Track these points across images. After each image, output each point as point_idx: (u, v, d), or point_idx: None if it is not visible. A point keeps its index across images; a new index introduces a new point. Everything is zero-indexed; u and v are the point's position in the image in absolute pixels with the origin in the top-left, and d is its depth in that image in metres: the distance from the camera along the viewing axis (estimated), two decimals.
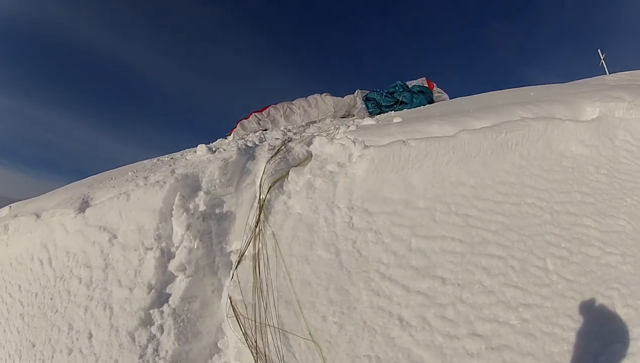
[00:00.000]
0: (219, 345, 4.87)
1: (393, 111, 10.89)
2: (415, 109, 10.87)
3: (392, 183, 5.42)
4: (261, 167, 6.14)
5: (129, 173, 7.19)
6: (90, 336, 4.97)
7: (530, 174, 5.71)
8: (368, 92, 12.92)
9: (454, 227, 5.04)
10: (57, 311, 5.43)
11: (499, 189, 5.46)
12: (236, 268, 5.06)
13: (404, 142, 5.66)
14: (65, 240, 6.03)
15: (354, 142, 5.88)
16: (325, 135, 6.84)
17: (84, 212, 6.15)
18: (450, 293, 4.46)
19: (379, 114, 11.29)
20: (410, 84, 12.78)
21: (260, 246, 5.12)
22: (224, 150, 6.80)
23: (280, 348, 4.28)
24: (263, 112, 12.86)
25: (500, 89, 10.80)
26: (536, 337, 4.16)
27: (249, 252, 5.17)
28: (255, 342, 4.37)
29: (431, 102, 12.21)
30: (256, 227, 5.30)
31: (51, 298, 5.59)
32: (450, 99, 12.41)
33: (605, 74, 12.93)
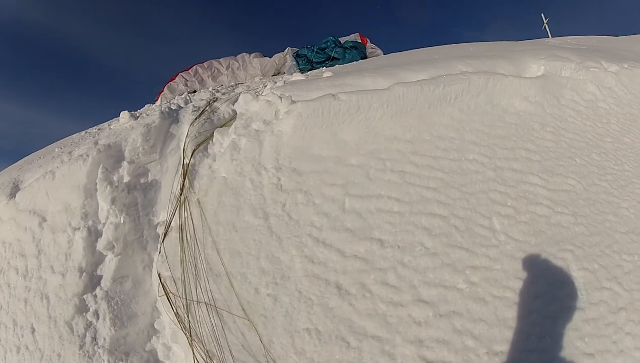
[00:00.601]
0: (155, 326, 4.59)
1: (325, 67, 10.72)
2: (348, 64, 10.71)
3: (322, 140, 5.01)
4: (185, 130, 5.86)
5: (56, 149, 6.89)
6: (33, 330, 4.69)
7: (471, 128, 5.39)
8: (298, 49, 12.86)
9: (390, 184, 4.66)
10: (1, 307, 5.11)
11: (437, 144, 5.12)
12: (163, 241, 4.72)
13: (333, 95, 5.24)
14: (1, 230, 5.66)
15: (281, 98, 5.46)
16: (251, 92, 6.46)
17: (14, 197, 5.79)
18: (390, 256, 4.08)
19: (310, 70, 11.16)
20: (343, 40, 12.84)
21: (185, 216, 4.79)
22: (147, 115, 6.48)
23: (215, 326, 3.95)
24: (189, 71, 12.96)
25: None
26: (487, 301, 3.85)
27: (175, 222, 4.85)
28: (189, 322, 4.05)
29: (364, 57, 12.18)
30: (181, 195, 4.98)
31: None
32: (384, 55, 12.37)
33: (548, 37, 13.12)
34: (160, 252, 4.62)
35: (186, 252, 4.47)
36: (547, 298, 3.96)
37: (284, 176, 4.71)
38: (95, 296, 4.69)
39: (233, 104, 6.25)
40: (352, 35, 13.11)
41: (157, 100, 11.94)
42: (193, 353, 3.84)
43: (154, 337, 4.51)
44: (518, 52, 7.18)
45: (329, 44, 12.40)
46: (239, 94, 6.65)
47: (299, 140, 4.98)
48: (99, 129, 7.41)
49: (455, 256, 4.10)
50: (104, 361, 4.33)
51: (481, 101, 5.71)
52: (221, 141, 5.38)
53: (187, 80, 12.44)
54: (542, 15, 14.10)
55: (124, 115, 6.58)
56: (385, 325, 3.68)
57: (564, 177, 5.12)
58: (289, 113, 5.17)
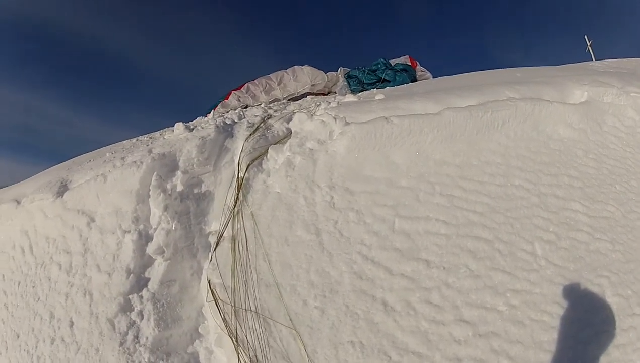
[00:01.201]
0: (199, 330, 4.67)
1: (375, 89, 10.65)
2: (398, 87, 10.64)
3: (374, 162, 5.19)
4: (240, 145, 5.97)
5: (107, 154, 7.00)
6: (72, 324, 4.78)
7: (517, 155, 5.52)
8: (350, 70, 12.78)
9: (439, 207, 4.83)
10: (39, 299, 5.23)
11: (484, 169, 5.27)
12: (214, 250, 4.86)
13: (386, 119, 5.43)
14: (45, 225, 5.83)
15: (335, 119, 5.64)
16: (305, 111, 6.60)
17: (62, 195, 5.94)
18: (436, 276, 4.26)
19: (361, 91, 11.04)
20: (393, 62, 12.64)
21: (238, 227, 4.92)
22: (202, 128, 6.62)
23: (261, 334, 4.09)
24: (242, 89, 12.78)
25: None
26: (525, 324, 3.99)
27: (228, 233, 4.97)
28: (235, 328, 4.17)
29: (414, 80, 12.06)
30: (234, 207, 5.11)
31: (33, 286, 5.40)
32: (433, 78, 12.28)
33: (592, 60, 12.83)
34: (211, 260, 4.79)
35: (237, 262, 4.62)
36: (582, 324, 4.08)
37: (337, 195, 4.89)
38: (141, 297, 4.82)
39: (287, 122, 6.39)
40: (402, 57, 13.00)
41: (209, 113, 12.07)
42: (239, 359, 3.98)
43: (197, 340, 4.60)
44: (562, 77, 7.24)
45: (379, 65, 12.37)
46: (293, 112, 6.82)
47: (352, 160, 5.16)
48: (151, 138, 7.58)
49: (497, 279, 4.25)
50: (144, 359, 4.41)
51: (527, 127, 5.83)
52: (275, 158, 5.53)
53: (239, 97, 12.53)
54: (586, 37, 13.82)
55: (179, 126, 6.76)
56: (427, 342, 3.84)
57: (604, 204, 5.22)
58: (343, 134, 5.35)
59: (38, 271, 5.48)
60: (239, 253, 4.68)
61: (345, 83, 12.34)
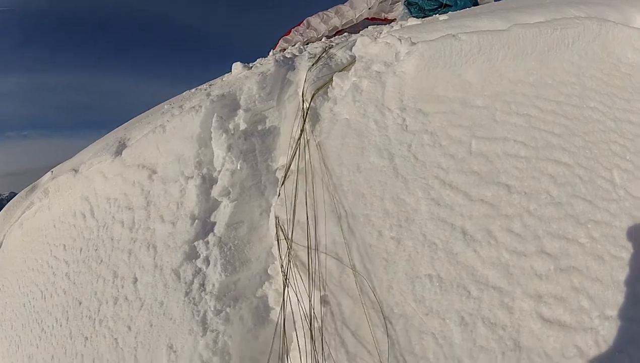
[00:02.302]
0: (269, 271, 4.56)
1: (438, 15, 10.46)
2: (461, 10, 10.33)
3: (445, 81, 4.93)
4: (302, 76, 5.89)
5: (165, 106, 7.09)
6: (135, 280, 4.86)
7: (590, 75, 5.24)
8: None
9: (516, 128, 4.59)
10: (101, 261, 5.36)
11: (560, 90, 5.01)
12: (282, 184, 4.73)
13: (453, 36, 5.15)
14: (105, 187, 5.97)
15: (400, 40, 5.38)
16: (368, 34, 6.60)
17: (120, 154, 6.09)
18: (517, 203, 4.03)
19: (423, 18, 10.94)
20: None
21: (306, 158, 4.79)
22: (261, 65, 6.65)
23: (333, 271, 3.92)
24: (301, 25, 13.03)
25: None
26: (604, 259, 3.74)
27: (296, 166, 4.83)
28: (309, 265, 4.00)
29: (476, 4, 12.01)
30: (300, 139, 4.98)
31: (95, 250, 5.56)
32: (495, 1, 12.22)
33: None
34: (279, 196, 4.65)
35: (307, 195, 4.48)
36: None
37: (409, 117, 4.67)
38: (207, 242, 4.77)
39: (350, 50, 6.25)
40: None
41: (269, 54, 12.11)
42: (310, 298, 3.83)
43: (266, 282, 4.50)
44: (620, 2, 6.76)
45: None
46: (355, 40, 6.62)
47: (422, 80, 4.91)
48: (210, 85, 7.51)
49: (579, 208, 4.02)
50: (210, 307, 4.34)
51: (597, 48, 5.54)
52: (341, 85, 5.36)
53: (301, 33, 12.60)
54: None
55: (237, 66, 6.71)
56: (507, 275, 3.64)
57: None
58: (410, 54, 5.08)
59: (100, 233, 5.62)
60: (309, 185, 4.54)
61: (407, 10, 12.32)
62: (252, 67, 6.61)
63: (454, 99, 4.80)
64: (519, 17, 5.68)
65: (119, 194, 5.68)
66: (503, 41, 5.16)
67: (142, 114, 8.28)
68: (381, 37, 5.90)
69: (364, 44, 5.80)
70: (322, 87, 5.41)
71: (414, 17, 11.27)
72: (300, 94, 5.47)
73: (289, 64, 6.26)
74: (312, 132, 4.94)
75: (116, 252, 5.20)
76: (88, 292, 5.22)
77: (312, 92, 5.29)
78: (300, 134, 4.96)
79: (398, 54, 5.28)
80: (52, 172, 7.96)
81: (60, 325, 5.36)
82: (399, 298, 3.63)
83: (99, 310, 4.93)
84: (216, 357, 4.03)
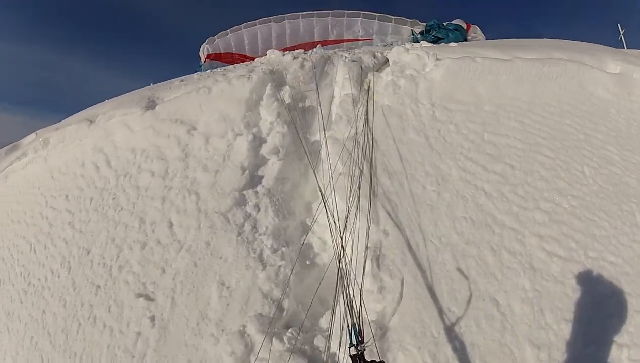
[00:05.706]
0: (308, 222, 5.29)
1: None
2: (469, 42, 11.71)
3: (462, 90, 6.45)
4: (338, 69, 7.08)
5: (195, 76, 7.77)
6: (171, 225, 5.19)
7: (567, 102, 6.70)
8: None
9: (514, 129, 5.98)
10: (122, 209, 5.65)
11: (545, 108, 6.47)
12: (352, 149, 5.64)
13: (471, 58, 6.70)
14: (130, 138, 6.39)
15: (427, 54, 6.83)
16: (402, 45, 7.89)
17: (153, 109, 6.55)
18: (518, 176, 5.35)
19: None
20: (446, 23, 13.41)
21: (356, 131, 5.78)
22: (301, 56, 7.53)
23: (389, 211, 4.95)
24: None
25: None
26: (582, 219, 4.99)
27: (342, 135, 5.80)
28: (370, 210, 4.88)
29: (465, 40, 12.66)
30: (358, 112, 6.08)
31: (113, 198, 5.82)
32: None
33: (624, 48, 12.87)
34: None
35: (365, 154, 5.44)
36: (627, 224, 5.11)
37: (437, 110, 6.09)
38: (257, 192, 5.32)
39: (380, 54, 7.64)
40: (456, 20, 13.58)
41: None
42: (367, 236, 4.65)
43: (310, 232, 5.09)
44: (599, 51, 8.32)
45: (433, 25, 13.22)
46: (392, 45, 8.37)
47: (446, 86, 6.42)
48: (226, 69, 8.21)
49: (561, 185, 5.35)
50: (266, 245, 4.79)
51: (574, 83, 7.01)
52: (376, 80, 6.67)
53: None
54: (619, 25, 13.62)
55: (274, 52, 7.87)
56: (518, 221, 4.89)
57: (632, 153, 6.17)
58: (438, 65, 6.60)
59: (120, 182, 5.96)
60: (364, 149, 5.54)
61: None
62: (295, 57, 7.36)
63: (469, 103, 6.27)
64: (518, 52, 7.18)
65: (148, 145, 6.10)
66: (507, 68, 6.74)
67: (163, 82, 8.55)
68: (412, 49, 7.31)
69: (399, 52, 7.23)
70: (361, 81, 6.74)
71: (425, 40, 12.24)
72: (341, 83, 6.76)
73: (325, 57, 7.39)
74: (358, 113, 6.10)
75: (144, 200, 5.56)
76: (102, 239, 5.43)
77: (357, 81, 6.62)
78: (367, 106, 6.13)
79: (425, 65, 6.78)
80: (36, 133, 7.90)
81: (58, 276, 5.39)
82: (444, 231, 4.79)
83: (118, 256, 5.12)
84: (278, 288, 4.46)
